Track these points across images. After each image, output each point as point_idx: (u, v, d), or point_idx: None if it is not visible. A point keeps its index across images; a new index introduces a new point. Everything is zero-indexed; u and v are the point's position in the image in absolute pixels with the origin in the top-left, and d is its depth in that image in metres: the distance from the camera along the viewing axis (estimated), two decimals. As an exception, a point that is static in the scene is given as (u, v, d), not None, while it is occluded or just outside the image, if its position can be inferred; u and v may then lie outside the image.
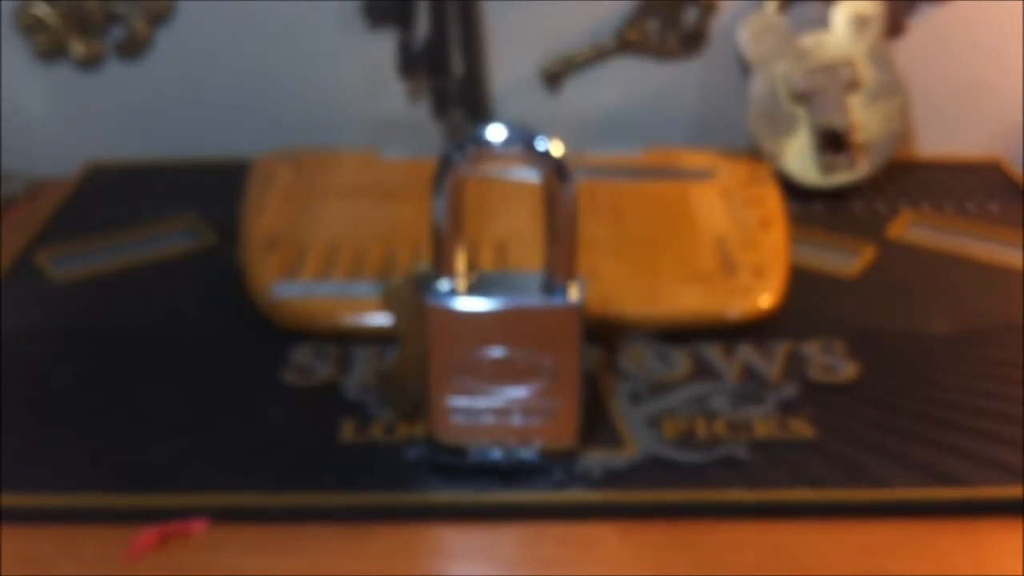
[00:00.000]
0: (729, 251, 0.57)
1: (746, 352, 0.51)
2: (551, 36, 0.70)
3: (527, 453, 0.43)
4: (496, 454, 0.43)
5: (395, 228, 0.60)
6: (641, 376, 0.49)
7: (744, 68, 0.68)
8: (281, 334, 0.52)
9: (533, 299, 0.40)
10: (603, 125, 0.73)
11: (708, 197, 0.63)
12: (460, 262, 0.40)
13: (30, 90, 0.72)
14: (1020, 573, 0.39)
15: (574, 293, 0.40)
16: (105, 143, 0.73)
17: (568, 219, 0.39)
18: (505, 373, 0.41)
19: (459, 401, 0.42)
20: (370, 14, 0.67)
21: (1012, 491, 0.42)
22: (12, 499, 0.42)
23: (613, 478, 0.43)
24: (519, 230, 0.59)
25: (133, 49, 0.70)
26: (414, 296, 0.41)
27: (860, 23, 0.66)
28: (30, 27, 0.68)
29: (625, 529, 0.41)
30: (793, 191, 0.66)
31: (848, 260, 0.59)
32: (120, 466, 0.44)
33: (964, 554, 0.40)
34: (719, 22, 0.70)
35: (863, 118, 0.66)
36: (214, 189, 0.68)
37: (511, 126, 0.38)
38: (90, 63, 0.70)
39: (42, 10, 0.68)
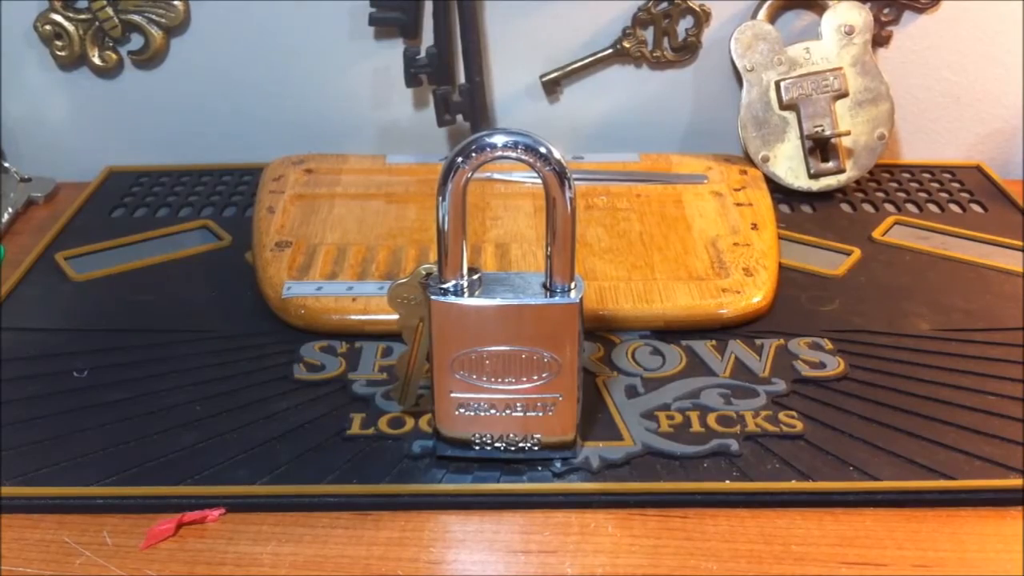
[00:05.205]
0: (721, 252, 0.58)
1: (738, 349, 0.52)
2: (550, 46, 0.70)
3: (528, 445, 0.44)
4: (498, 446, 0.44)
5: (401, 230, 0.60)
6: (637, 371, 0.50)
7: (736, 76, 0.68)
8: (292, 331, 0.53)
9: (534, 298, 0.41)
10: (600, 131, 0.73)
11: (701, 200, 0.64)
12: (463, 262, 0.41)
13: (51, 98, 0.72)
14: (999, 560, 0.40)
15: (573, 292, 0.41)
16: (123, 149, 0.74)
17: (567, 221, 0.39)
18: (507, 369, 0.42)
19: (463, 395, 0.42)
20: (376, 25, 0.68)
21: (992, 482, 0.43)
22: (32, 491, 0.43)
23: (610, 469, 0.44)
24: (520, 232, 0.59)
25: (150, 58, 0.71)
26: (420, 295, 0.42)
27: (847, 33, 0.66)
28: (50, 37, 0.69)
29: (622, 518, 0.42)
30: (783, 194, 0.67)
31: (835, 260, 0.60)
32: (137, 459, 0.44)
33: (946, 542, 0.41)
34: (712, 32, 0.70)
35: (850, 124, 0.67)
36: (227, 193, 0.69)
37: (512, 132, 0.38)
38: (108, 72, 0.71)
39: (62, 20, 0.68)
